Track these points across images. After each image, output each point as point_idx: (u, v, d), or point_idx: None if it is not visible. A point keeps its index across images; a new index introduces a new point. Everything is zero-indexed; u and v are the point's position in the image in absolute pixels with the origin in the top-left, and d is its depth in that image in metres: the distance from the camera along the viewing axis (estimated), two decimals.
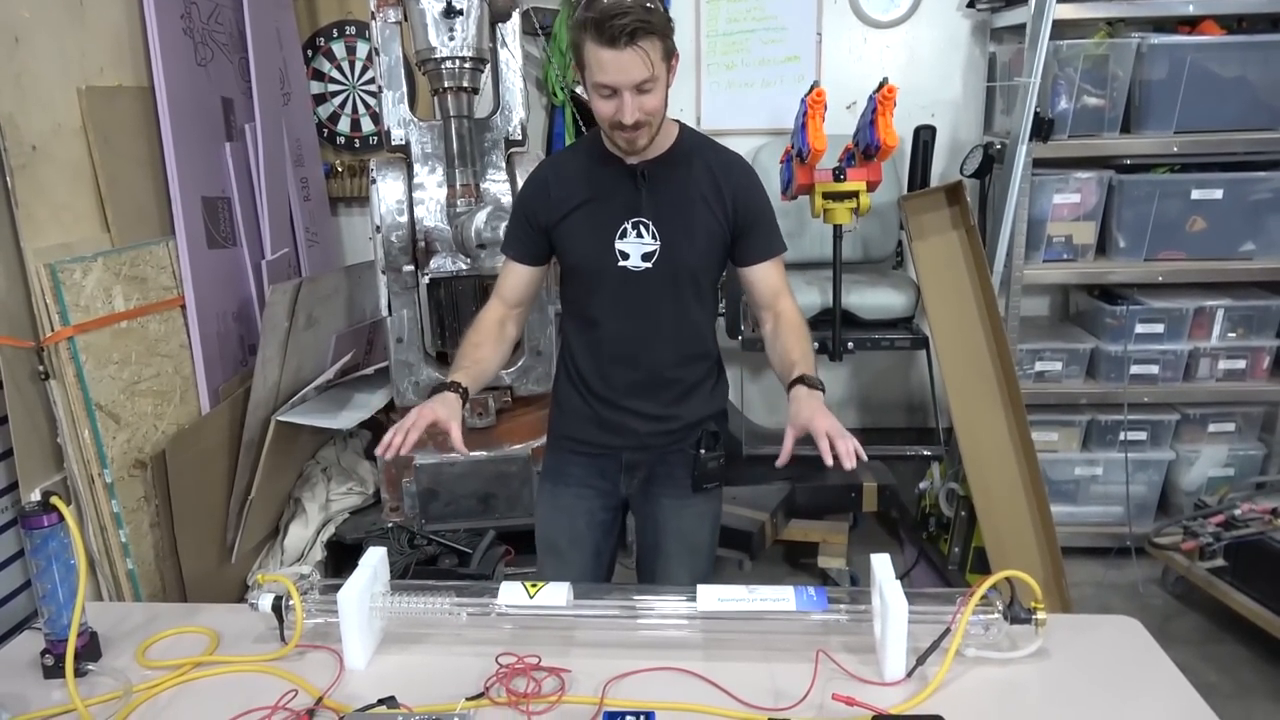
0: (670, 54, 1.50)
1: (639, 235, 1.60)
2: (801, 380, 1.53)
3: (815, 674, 1.26)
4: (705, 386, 1.73)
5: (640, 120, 1.48)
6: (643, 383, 1.68)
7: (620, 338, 1.66)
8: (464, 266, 2.60)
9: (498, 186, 2.62)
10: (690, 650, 1.34)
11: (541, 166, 1.73)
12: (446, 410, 1.50)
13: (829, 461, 1.39)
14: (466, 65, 2.41)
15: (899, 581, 1.28)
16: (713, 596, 1.34)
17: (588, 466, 1.76)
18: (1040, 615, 1.29)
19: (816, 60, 3.27)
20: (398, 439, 1.46)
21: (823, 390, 1.52)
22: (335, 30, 3.35)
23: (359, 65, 3.37)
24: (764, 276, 1.67)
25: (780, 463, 1.45)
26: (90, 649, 1.35)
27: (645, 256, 1.60)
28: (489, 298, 1.75)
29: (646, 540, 1.81)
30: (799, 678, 1.26)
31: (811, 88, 2.55)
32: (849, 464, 1.38)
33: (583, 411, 1.73)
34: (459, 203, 2.52)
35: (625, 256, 1.60)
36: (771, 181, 2.99)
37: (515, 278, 1.71)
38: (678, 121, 1.65)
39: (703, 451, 1.67)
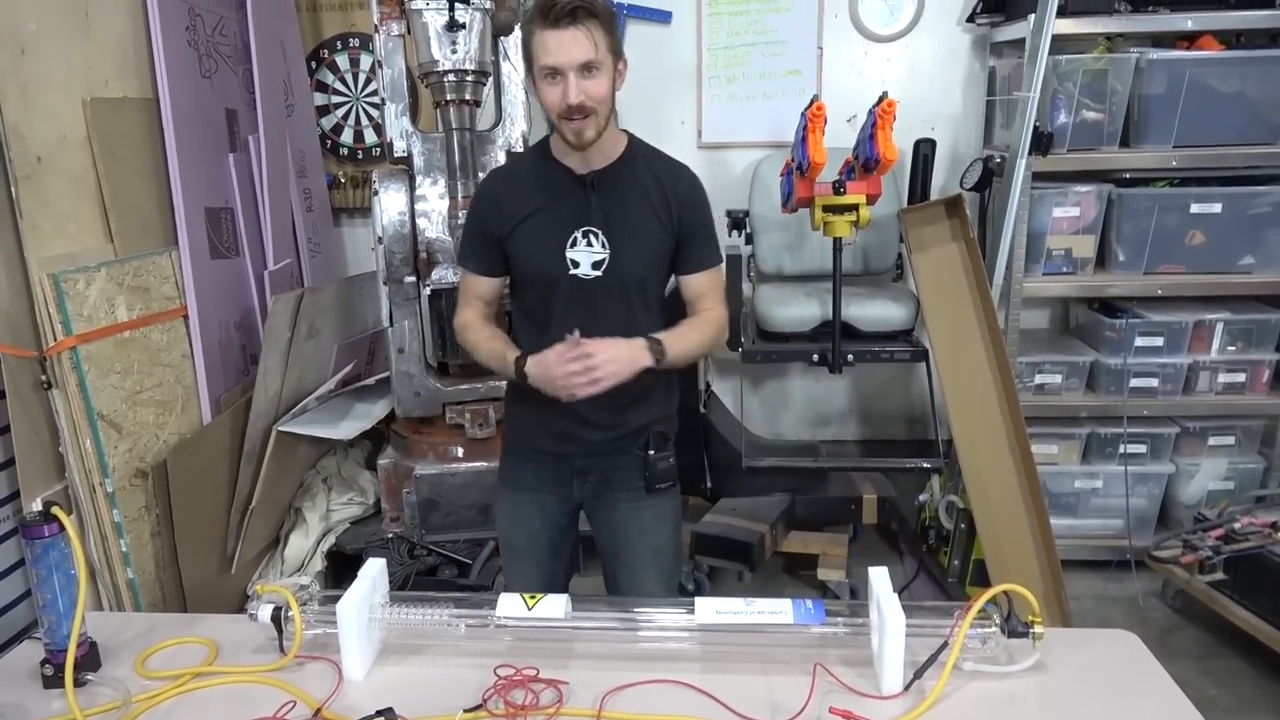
0: (617, 53, 1.55)
1: (589, 244, 1.63)
2: (647, 337, 1.59)
3: (813, 687, 1.27)
4: (655, 392, 1.74)
5: (586, 105, 1.51)
6: None
7: None
8: None
9: None
10: (688, 662, 1.35)
11: (491, 178, 1.76)
12: (552, 354, 1.54)
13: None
14: (468, 78, 2.42)
15: (897, 595, 1.28)
16: (711, 609, 1.34)
17: (540, 472, 1.79)
18: (1037, 629, 1.29)
19: (817, 73, 3.28)
20: (584, 390, 1.51)
21: (656, 362, 1.57)
22: (339, 42, 3.36)
23: (362, 77, 3.38)
24: (695, 284, 1.73)
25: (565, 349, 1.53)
26: (90, 659, 1.35)
27: (595, 265, 1.63)
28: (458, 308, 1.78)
29: (607, 548, 1.83)
30: (796, 690, 1.26)
31: (812, 101, 2.55)
32: (574, 391, 1.50)
33: (533, 418, 1.74)
34: (460, 214, 2.53)
35: (576, 265, 1.63)
36: (772, 194, 3.01)
37: (480, 286, 1.75)
38: (626, 132, 1.68)
39: (652, 453, 1.71)
